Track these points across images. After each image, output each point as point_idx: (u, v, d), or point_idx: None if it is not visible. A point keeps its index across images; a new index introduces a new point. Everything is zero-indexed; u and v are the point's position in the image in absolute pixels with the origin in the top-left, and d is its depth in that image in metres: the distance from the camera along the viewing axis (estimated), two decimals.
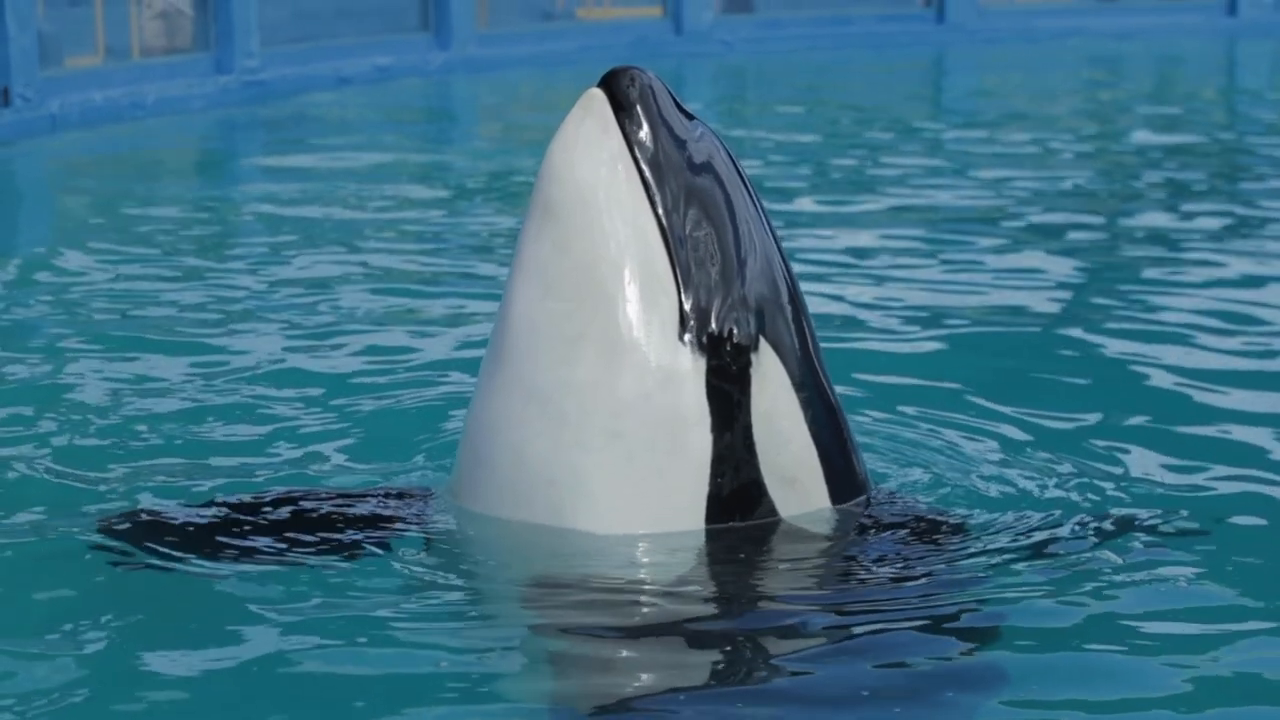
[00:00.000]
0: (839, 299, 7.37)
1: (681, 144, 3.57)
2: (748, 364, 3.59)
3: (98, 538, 3.92)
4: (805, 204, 10.19)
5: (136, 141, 13.88)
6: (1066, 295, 7.55)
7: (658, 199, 3.53)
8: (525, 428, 3.62)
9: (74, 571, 3.89)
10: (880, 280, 7.85)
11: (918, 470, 4.58)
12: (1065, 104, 16.43)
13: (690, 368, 3.56)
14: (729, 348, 3.57)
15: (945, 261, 8.27)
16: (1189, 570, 3.89)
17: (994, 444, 4.98)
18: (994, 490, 4.47)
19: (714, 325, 3.56)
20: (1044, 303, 7.31)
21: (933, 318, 6.96)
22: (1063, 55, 20.28)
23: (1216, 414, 5.41)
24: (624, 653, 3.44)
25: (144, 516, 4.02)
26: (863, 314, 7.06)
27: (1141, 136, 13.98)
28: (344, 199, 10.44)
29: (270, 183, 11.81)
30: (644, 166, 3.53)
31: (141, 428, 5.20)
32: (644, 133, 3.54)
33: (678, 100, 3.63)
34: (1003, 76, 18.86)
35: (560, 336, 3.56)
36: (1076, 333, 6.75)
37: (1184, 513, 4.27)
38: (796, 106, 16.07)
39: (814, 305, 7.04)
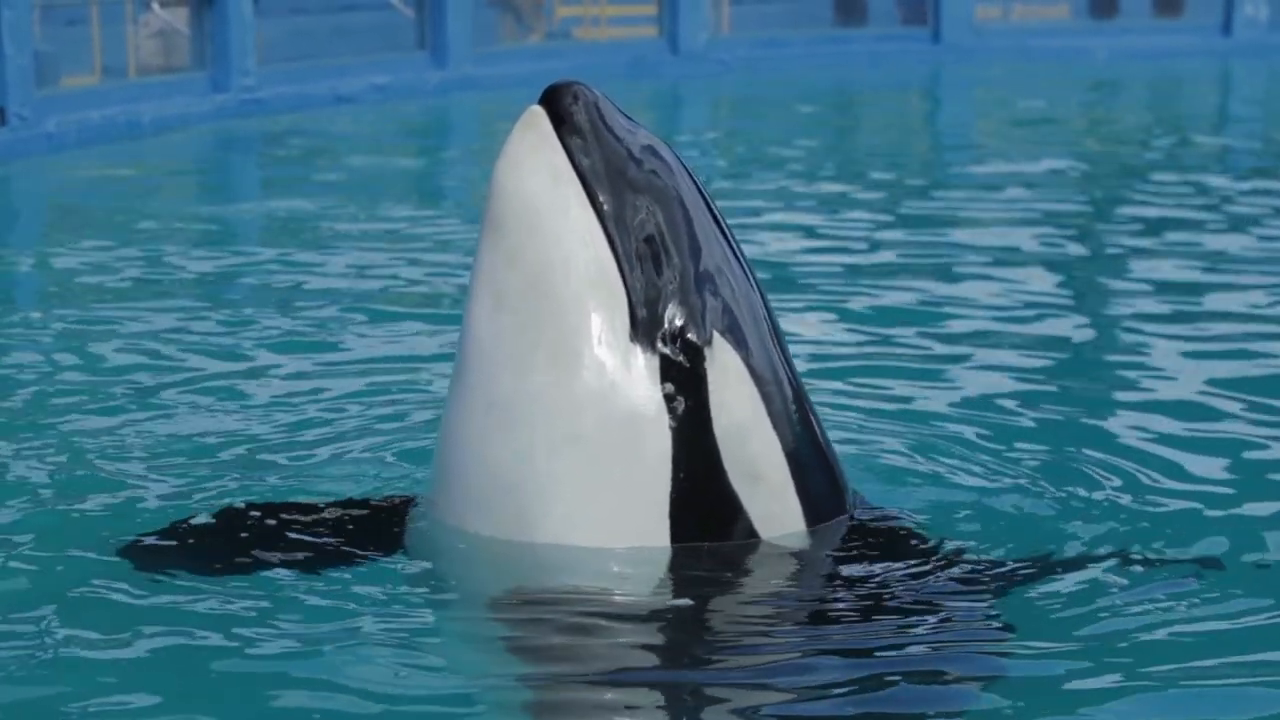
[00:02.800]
0: (834, 316, 7.38)
1: (625, 152, 3.62)
2: (701, 359, 3.62)
3: (116, 556, 3.97)
4: (801, 222, 10.19)
5: (133, 160, 13.88)
6: (1060, 312, 7.55)
7: (603, 206, 3.59)
8: (487, 438, 3.67)
9: (64, 585, 3.91)
10: (876, 296, 7.85)
11: (913, 484, 4.59)
12: (1060, 123, 16.46)
13: (644, 367, 3.60)
14: (681, 344, 3.61)
15: (942, 280, 8.27)
16: (1187, 601, 3.87)
17: (990, 458, 4.99)
18: (983, 506, 4.48)
19: (665, 323, 3.60)
20: (1036, 321, 7.31)
21: (927, 334, 6.97)
22: (1058, 74, 20.31)
23: (1221, 433, 5.40)
24: (596, 663, 3.46)
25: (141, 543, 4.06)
26: (854, 331, 7.06)
27: (1136, 154, 14.00)
28: (341, 217, 10.45)
29: (267, 201, 11.82)
30: (586, 176, 3.59)
31: (135, 444, 5.20)
32: (585, 144, 3.59)
33: (623, 111, 3.68)
34: (998, 95, 18.89)
35: (516, 346, 3.62)
36: (1069, 350, 6.76)
37: (1181, 542, 4.26)
38: (792, 126, 16.09)
39: (806, 322, 7.08)
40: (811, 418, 3.82)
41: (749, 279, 3.74)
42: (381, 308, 7.63)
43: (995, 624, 3.62)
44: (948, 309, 7.56)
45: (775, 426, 3.69)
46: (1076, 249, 9.46)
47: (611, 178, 3.60)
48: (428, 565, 3.86)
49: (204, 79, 16.27)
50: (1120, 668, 3.56)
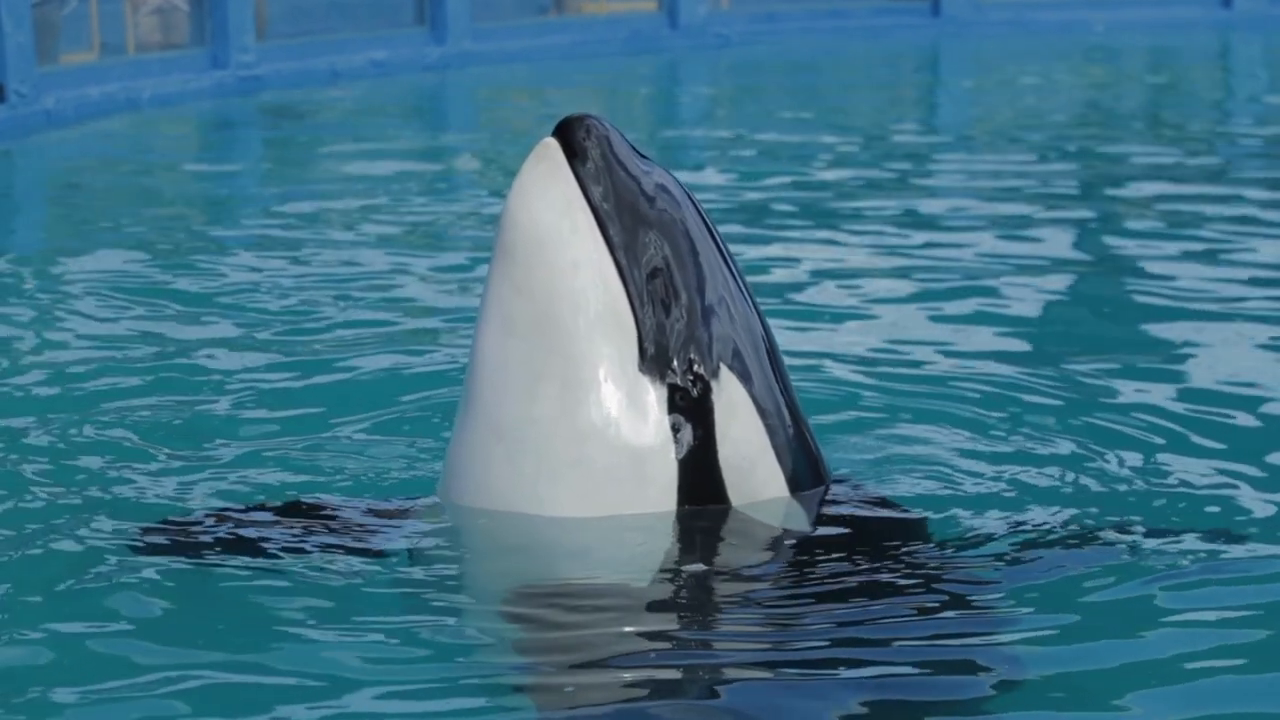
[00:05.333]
0: (832, 291, 7.38)
1: (635, 185, 3.69)
2: (708, 391, 3.69)
3: (123, 544, 3.97)
4: (801, 198, 10.20)
5: (132, 137, 13.88)
6: (1061, 286, 7.56)
7: (613, 237, 3.65)
8: (492, 466, 3.74)
9: (66, 583, 3.89)
10: (877, 274, 7.86)
11: (913, 473, 4.59)
12: (1060, 96, 16.45)
13: (652, 398, 3.67)
14: (689, 376, 3.68)
15: (942, 255, 8.28)
16: (1147, 577, 3.86)
17: (993, 434, 5.00)
18: (984, 494, 4.48)
19: (673, 356, 3.67)
20: (1037, 295, 7.31)
21: (927, 310, 6.97)
22: (1058, 48, 20.28)
23: (1217, 412, 5.37)
24: (596, 682, 3.47)
25: (144, 533, 4.06)
26: (849, 304, 7.07)
27: (1137, 128, 13.99)
28: (340, 194, 10.45)
29: (266, 178, 11.83)
30: (597, 207, 3.65)
31: (137, 431, 5.15)
32: (596, 176, 3.66)
33: (633, 145, 3.75)
34: (998, 69, 18.87)
35: (523, 375, 3.67)
36: (1068, 326, 6.77)
37: (1148, 519, 4.25)
38: (792, 100, 16.08)
39: (807, 298, 7.09)
40: (812, 445, 3.90)
41: (752, 308, 3.81)
42: (382, 285, 7.64)
43: (992, 614, 3.63)
44: (947, 283, 7.57)
45: (779, 458, 3.78)
46: (1076, 223, 9.45)
47: (622, 210, 3.66)
48: (432, 579, 3.87)
49: (203, 55, 16.26)
50: (1111, 645, 3.57)
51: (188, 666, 3.50)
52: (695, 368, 3.67)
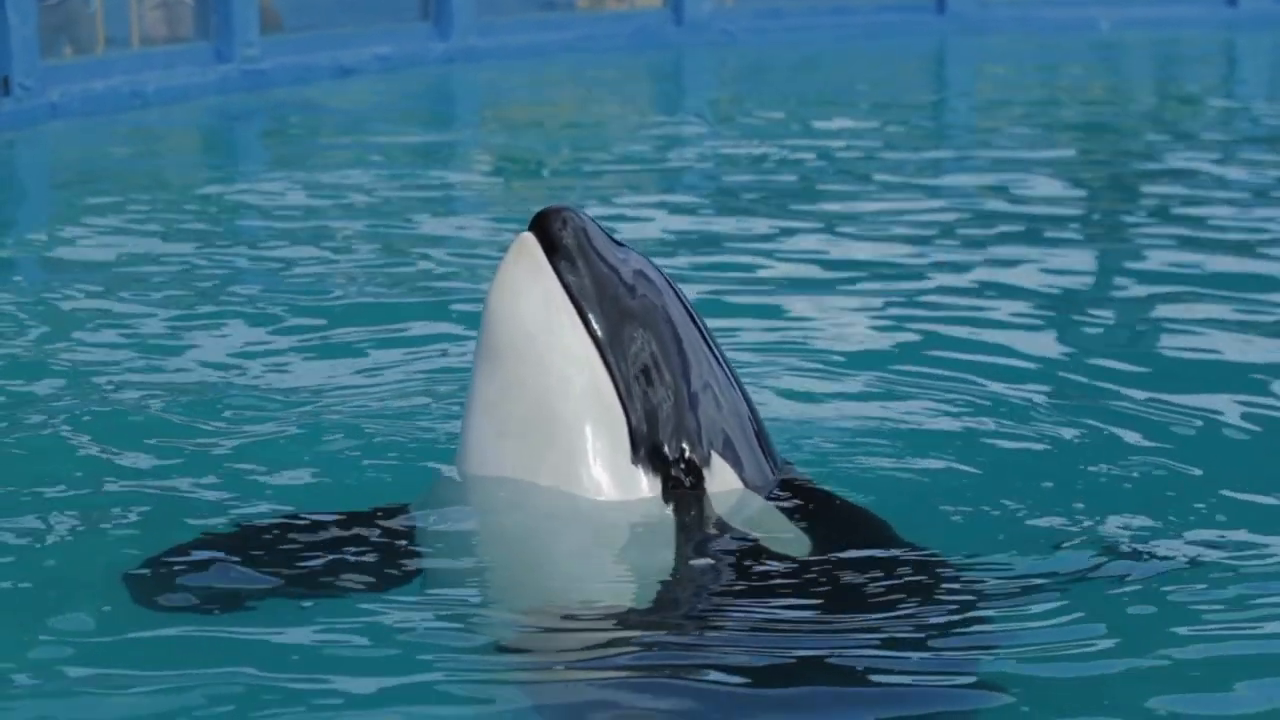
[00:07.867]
0: (836, 289, 7.38)
1: (615, 276, 3.70)
2: (702, 479, 3.72)
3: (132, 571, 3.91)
4: (806, 195, 10.19)
5: (137, 131, 13.87)
6: (1066, 287, 7.55)
7: (597, 330, 3.67)
8: (492, 554, 3.79)
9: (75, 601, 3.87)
10: (881, 272, 7.86)
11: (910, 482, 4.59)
12: (1066, 95, 16.43)
13: (646, 487, 3.70)
14: (682, 464, 3.71)
15: (946, 253, 8.28)
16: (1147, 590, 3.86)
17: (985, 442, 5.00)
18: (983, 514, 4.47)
19: (665, 444, 3.70)
20: (1042, 297, 7.31)
21: (929, 310, 6.97)
22: (1063, 45, 20.26)
23: (1210, 415, 5.38)
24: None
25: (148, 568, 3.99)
26: (854, 303, 7.07)
27: (1142, 127, 13.98)
28: (344, 188, 10.44)
29: (271, 172, 11.82)
30: (579, 301, 3.67)
31: (138, 434, 5.11)
32: (576, 269, 3.67)
33: (610, 234, 3.77)
34: (1003, 67, 18.85)
35: (516, 470, 3.71)
36: (1076, 326, 6.76)
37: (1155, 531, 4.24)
38: (797, 97, 16.06)
39: (818, 297, 7.09)
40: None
41: (736, 388, 3.84)
42: (387, 280, 7.64)
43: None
44: (951, 282, 7.56)
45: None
46: (1081, 222, 9.45)
47: (603, 301, 3.68)
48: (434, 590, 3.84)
49: (207, 49, 16.22)
50: (1090, 651, 3.58)
51: (189, 688, 3.48)
52: (687, 455, 3.70)
